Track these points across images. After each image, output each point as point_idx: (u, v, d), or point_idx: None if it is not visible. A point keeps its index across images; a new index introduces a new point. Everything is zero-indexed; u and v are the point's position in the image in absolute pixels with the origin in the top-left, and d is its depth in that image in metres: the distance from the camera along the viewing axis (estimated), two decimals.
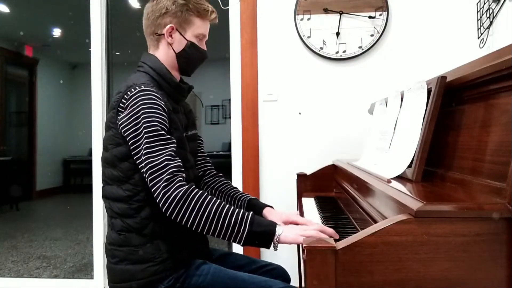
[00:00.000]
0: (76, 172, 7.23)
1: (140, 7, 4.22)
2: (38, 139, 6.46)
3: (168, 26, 1.18)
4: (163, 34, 1.19)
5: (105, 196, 1.17)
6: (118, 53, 5.11)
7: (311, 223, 1.12)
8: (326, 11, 2.19)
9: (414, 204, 0.74)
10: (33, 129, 6.41)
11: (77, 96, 7.15)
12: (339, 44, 2.19)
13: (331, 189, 1.84)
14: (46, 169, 6.68)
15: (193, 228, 1.00)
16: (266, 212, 1.26)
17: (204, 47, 1.25)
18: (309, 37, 2.20)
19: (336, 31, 2.18)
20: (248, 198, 1.32)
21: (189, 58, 1.22)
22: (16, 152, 6.02)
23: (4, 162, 5.56)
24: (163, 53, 1.21)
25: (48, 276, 2.82)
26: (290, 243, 0.99)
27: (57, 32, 5.77)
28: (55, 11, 4.81)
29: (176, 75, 1.25)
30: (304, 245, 0.74)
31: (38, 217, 5.01)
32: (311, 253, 0.72)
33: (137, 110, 1.05)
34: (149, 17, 1.20)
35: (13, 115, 6.26)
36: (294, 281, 1.54)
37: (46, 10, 4.77)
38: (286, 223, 1.16)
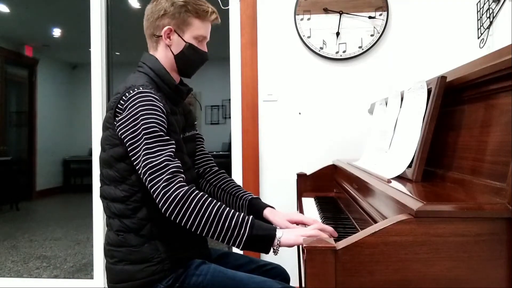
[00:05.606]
0: (76, 172, 7.25)
1: (140, 7, 4.22)
2: (38, 139, 6.46)
3: (166, 28, 1.17)
4: (161, 36, 1.18)
5: (103, 196, 1.17)
6: (118, 53, 5.13)
7: (316, 221, 1.12)
8: (326, 11, 2.19)
9: (414, 204, 0.74)
10: (33, 129, 6.41)
11: (77, 96, 7.17)
12: (339, 44, 2.19)
13: (331, 189, 1.84)
14: (46, 169, 6.68)
15: (192, 230, 0.99)
16: (268, 212, 1.23)
17: (205, 49, 1.23)
18: (309, 37, 2.20)
19: (336, 31, 2.18)
20: (250, 197, 1.30)
21: (188, 60, 1.21)
22: (16, 152, 6.02)
23: (4, 162, 5.56)
24: (162, 55, 1.20)
25: (48, 276, 2.82)
26: (292, 245, 0.98)
27: (57, 32, 5.77)
28: (55, 11, 4.80)
29: (176, 76, 1.24)
30: (304, 245, 0.74)
31: (38, 217, 5.00)
32: (311, 253, 0.72)
33: (135, 112, 1.05)
34: (149, 18, 1.20)
35: (13, 115, 6.26)
36: (294, 281, 1.54)
37: (46, 10, 4.77)
38: (291, 222, 1.16)
